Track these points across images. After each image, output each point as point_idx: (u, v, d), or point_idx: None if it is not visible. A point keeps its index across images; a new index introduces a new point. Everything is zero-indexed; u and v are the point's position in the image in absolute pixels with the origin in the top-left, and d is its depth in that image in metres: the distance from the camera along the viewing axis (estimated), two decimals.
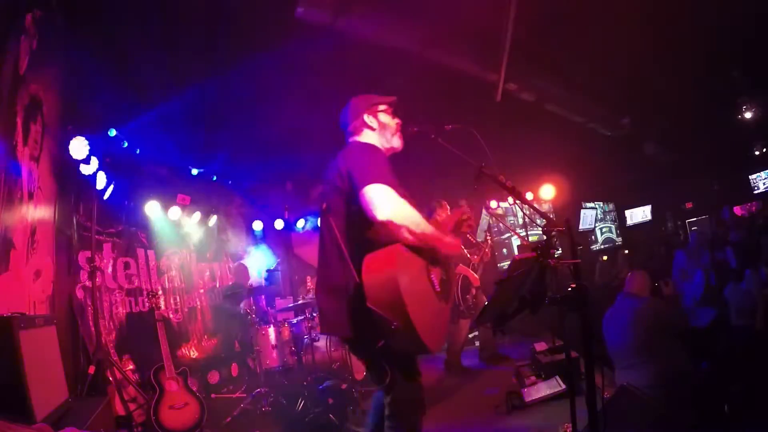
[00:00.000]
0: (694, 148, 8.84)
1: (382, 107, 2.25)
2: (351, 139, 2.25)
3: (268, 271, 6.87)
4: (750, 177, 9.79)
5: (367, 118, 2.22)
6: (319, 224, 2.16)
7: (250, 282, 6.38)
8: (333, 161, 2.13)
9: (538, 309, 1.76)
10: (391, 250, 1.81)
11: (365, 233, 1.89)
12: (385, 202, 1.81)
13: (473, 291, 5.22)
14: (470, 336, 5.62)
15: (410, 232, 1.83)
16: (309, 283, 5.72)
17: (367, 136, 2.22)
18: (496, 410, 3.98)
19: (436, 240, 1.95)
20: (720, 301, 4.31)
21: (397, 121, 2.27)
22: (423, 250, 1.93)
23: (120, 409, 3.98)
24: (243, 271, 6.72)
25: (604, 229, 10.85)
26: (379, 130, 2.22)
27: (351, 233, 1.97)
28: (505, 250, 9.15)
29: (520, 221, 8.57)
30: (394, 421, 1.98)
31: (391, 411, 1.99)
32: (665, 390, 2.85)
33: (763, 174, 9.67)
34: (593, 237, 10.36)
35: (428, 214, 4.65)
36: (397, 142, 2.25)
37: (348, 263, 1.91)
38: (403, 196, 1.98)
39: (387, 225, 1.80)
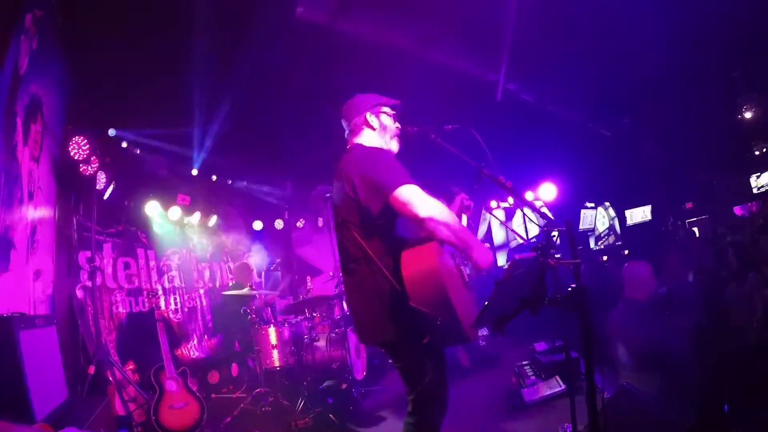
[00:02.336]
0: (694, 148, 8.84)
1: (385, 109, 2.24)
2: (351, 139, 2.24)
3: (267, 271, 6.87)
4: (750, 177, 9.78)
5: (370, 117, 2.20)
6: (336, 235, 2.14)
7: (251, 282, 6.38)
8: (338, 168, 2.10)
9: (538, 309, 1.76)
10: (428, 247, 1.82)
11: (391, 236, 1.90)
12: (423, 201, 1.82)
13: None
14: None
15: (449, 228, 1.83)
16: (309, 283, 5.72)
17: (367, 135, 2.20)
18: (496, 410, 3.98)
19: (472, 244, 1.91)
20: (715, 303, 4.25)
21: (397, 125, 2.26)
22: (457, 247, 1.91)
23: (120, 409, 3.97)
24: (245, 270, 6.72)
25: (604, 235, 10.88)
26: (379, 131, 2.21)
27: (376, 239, 1.96)
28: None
29: (520, 221, 8.58)
30: (415, 418, 2.00)
31: (414, 407, 2.00)
32: (667, 394, 2.79)
33: (763, 174, 9.66)
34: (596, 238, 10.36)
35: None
36: (395, 146, 2.24)
37: (379, 269, 1.91)
38: None
39: (427, 222, 1.80)
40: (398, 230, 1.95)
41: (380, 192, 1.88)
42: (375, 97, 2.26)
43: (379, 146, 2.19)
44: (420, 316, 1.77)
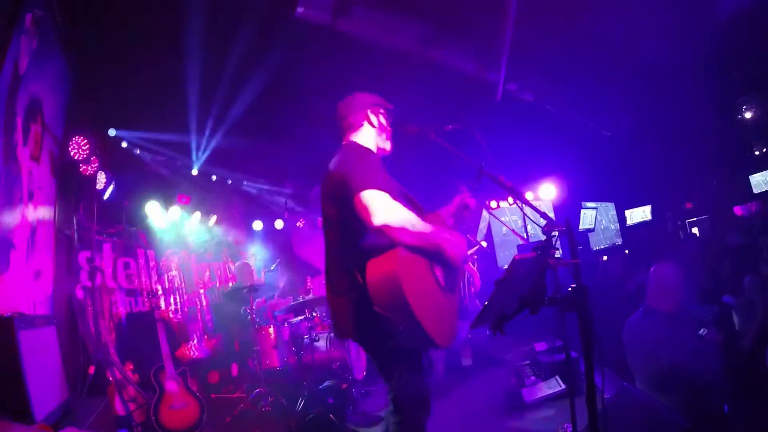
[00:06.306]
0: (694, 148, 8.83)
1: (383, 110, 2.28)
2: (347, 135, 2.25)
3: (267, 271, 6.86)
4: (750, 177, 9.77)
5: (371, 115, 2.24)
6: (322, 230, 2.20)
7: (251, 282, 6.37)
8: (328, 165, 2.14)
9: (538, 309, 1.76)
10: (391, 253, 1.83)
11: (364, 238, 1.91)
12: (380, 208, 1.83)
13: (472, 290, 5.25)
14: (469, 336, 5.62)
15: (408, 234, 1.85)
16: (309, 283, 5.71)
17: (365, 133, 2.23)
18: (495, 410, 3.98)
19: (440, 241, 1.95)
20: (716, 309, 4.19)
21: (389, 129, 2.31)
22: (426, 249, 1.93)
23: (120, 409, 3.97)
24: (246, 270, 6.72)
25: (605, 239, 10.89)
26: (377, 130, 2.25)
27: (350, 239, 1.98)
28: (507, 252, 9.15)
29: (520, 221, 8.58)
30: (398, 417, 2.01)
31: (395, 407, 2.02)
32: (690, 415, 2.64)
33: (763, 174, 9.65)
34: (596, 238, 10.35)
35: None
36: (389, 146, 2.30)
37: (351, 269, 1.93)
38: (400, 197, 2.02)
39: (383, 230, 1.82)
40: (370, 233, 1.93)
41: (349, 192, 1.90)
42: (375, 97, 2.30)
43: (374, 144, 2.23)
44: (384, 321, 1.80)
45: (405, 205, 1.96)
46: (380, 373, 2.10)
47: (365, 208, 1.84)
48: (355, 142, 2.21)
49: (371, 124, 2.24)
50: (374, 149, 2.22)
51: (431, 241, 1.92)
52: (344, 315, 2.00)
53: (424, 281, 1.93)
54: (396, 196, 1.97)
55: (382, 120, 2.26)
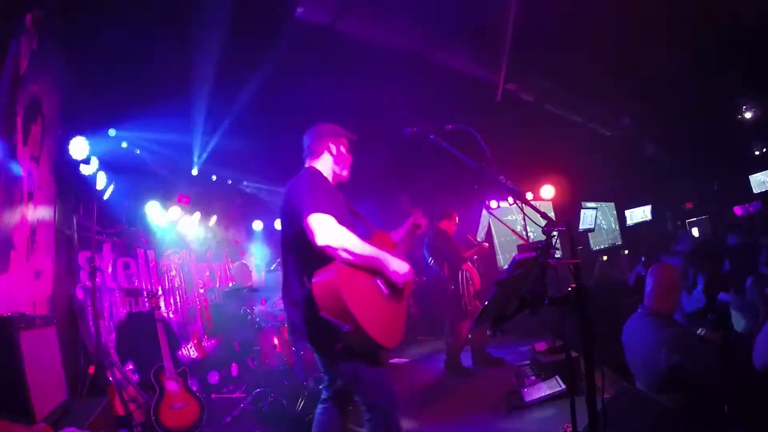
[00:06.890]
0: (694, 148, 8.84)
1: (344, 141, 2.50)
2: (309, 159, 2.47)
3: (267, 271, 6.86)
4: (750, 177, 9.78)
5: (331, 145, 2.46)
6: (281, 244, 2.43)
7: (250, 282, 6.38)
8: (286, 186, 2.35)
9: (538, 309, 1.76)
10: (333, 264, 2.05)
11: (312, 252, 2.09)
12: (324, 230, 2.05)
13: (472, 290, 5.25)
14: (469, 336, 5.62)
15: (348, 253, 2.06)
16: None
17: (325, 161, 2.45)
18: (496, 410, 3.98)
19: (379, 262, 2.16)
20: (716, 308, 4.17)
21: (348, 158, 2.52)
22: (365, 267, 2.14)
23: (120, 409, 3.98)
24: (244, 270, 6.72)
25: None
26: (336, 159, 2.46)
27: (301, 252, 2.20)
28: (508, 254, 9.16)
29: (520, 221, 8.58)
30: (371, 413, 2.16)
31: (366, 404, 2.18)
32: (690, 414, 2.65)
33: (763, 174, 9.66)
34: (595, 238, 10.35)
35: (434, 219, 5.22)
36: (346, 173, 2.52)
37: (302, 279, 2.15)
38: (348, 216, 2.29)
39: (325, 249, 2.05)
40: (316, 249, 2.11)
41: (298, 214, 2.13)
42: (338, 129, 2.53)
43: (331, 171, 2.45)
44: (330, 324, 1.98)
45: (353, 224, 2.21)
46: (328, 374, 2.33)
47: (311, 230, 2.06)
48: (312, 167, 2.42)
49: (330, 153, 2.45)
50: (330, 175, 2.45)
51: (370, 261, 2.13)
52: (298, 320, 2.20)
53: (365, 289, 2.12)
54: (343, 217, 2.18)
55: (342, 150, 2.48)
